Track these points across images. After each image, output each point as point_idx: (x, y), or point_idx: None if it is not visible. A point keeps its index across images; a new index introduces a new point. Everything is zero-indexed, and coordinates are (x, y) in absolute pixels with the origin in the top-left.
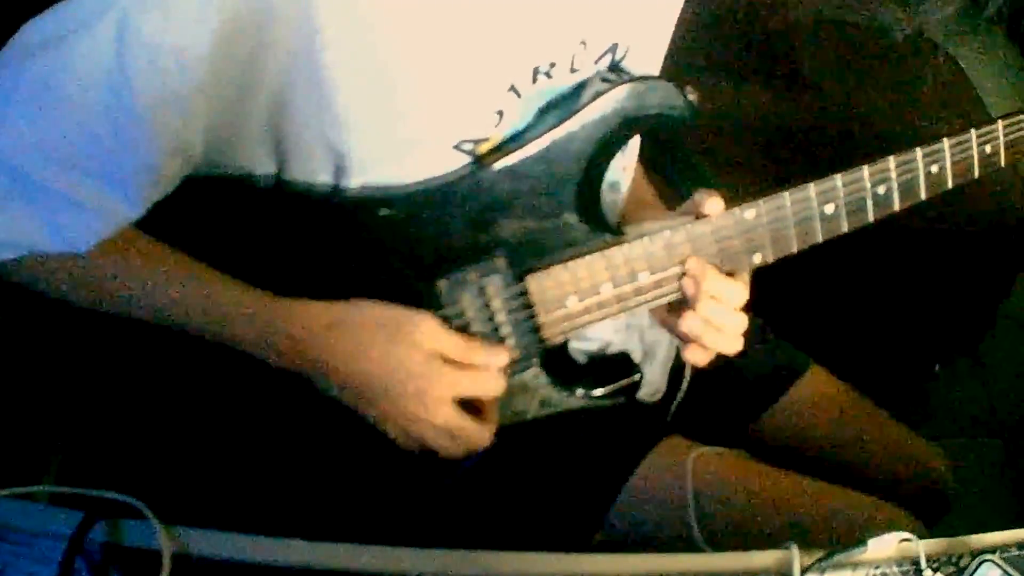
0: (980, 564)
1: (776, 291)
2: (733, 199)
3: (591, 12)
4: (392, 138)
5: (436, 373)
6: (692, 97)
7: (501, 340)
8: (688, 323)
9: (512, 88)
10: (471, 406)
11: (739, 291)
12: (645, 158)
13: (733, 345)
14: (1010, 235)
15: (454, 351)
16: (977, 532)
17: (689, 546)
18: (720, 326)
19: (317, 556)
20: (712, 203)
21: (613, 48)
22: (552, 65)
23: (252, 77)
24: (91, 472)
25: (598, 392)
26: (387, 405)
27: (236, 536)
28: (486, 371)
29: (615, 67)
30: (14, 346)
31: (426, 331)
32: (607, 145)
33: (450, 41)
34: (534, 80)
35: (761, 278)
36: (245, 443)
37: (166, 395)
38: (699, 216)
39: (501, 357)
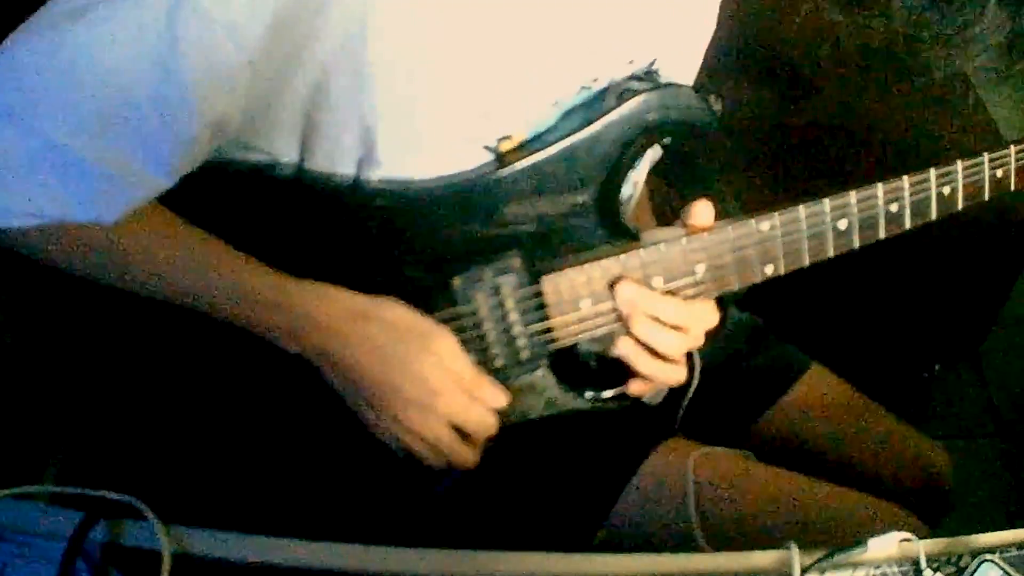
0: (980, 564)
1: (776, 291)
2: (737, 204)
3: (640, 32)
4: (423, 136)
5: (447, 392)
6: (716, 107)
7: (512, 339)
8: (620, 346)
9: (556, 103)
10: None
11: (683, 312)
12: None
13: (672, 373)
14: (1011, 235)
15: (467, 377)
16: (977, 532)
17: (689, 546)
18: (659, 348)
19: (317, 556)
20: (699, 211)
21: (652, 63)
22: (595, 80)
23: (298, 60)
24: (91, 472)
25: (604, 395)
26: (388, 407)
27: (236, 536)
28: (485, 408)
29: (645, 73)
30: (14, 346)
31: (448, 349)
32: (629, 150)
33: (501, 55)
34: (577, 93)
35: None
36: (245, 443)
37: (166, 395)
38: (690, 228)
39: (501, 399)
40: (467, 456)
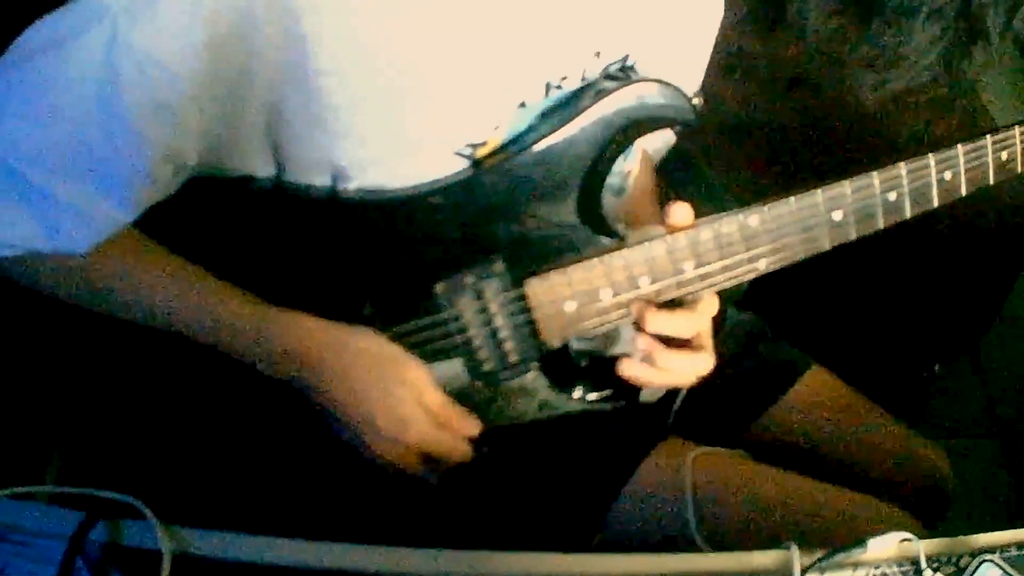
0: (980, 564)
1: (776, 291)
2: (735, 200)
3: (605, 24)
4: (391, 145)
5: (416, 423)
6: (695, 101)
7: (499, 343)
8: (626, 368)
9: (523, 104)
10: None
11: (684, 322)
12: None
13: (677, 378)
14: (1011, 234)
15: (436, 406)
16: (977, 532)
17: (689, 546)
18: (664, 367)
19: (317, 556)
20: (676, 210)
21: (624, 59)
22: (564, 78)
23: (243, 87)
24: (91, 472)
25: (597, 396)
26: (360, 434)
27: (236, 536)
28: (456, 437)
29: (620, 70)
30: (14, 346)
31: (418, 378)
32: (609, 148)
33: (455, 57)
34: (546, 94)
35: (761, 277)
36: (244, 443)
37: (166, 395)
38: (669, 228)
39: (473, 428)
40: (431, 476)
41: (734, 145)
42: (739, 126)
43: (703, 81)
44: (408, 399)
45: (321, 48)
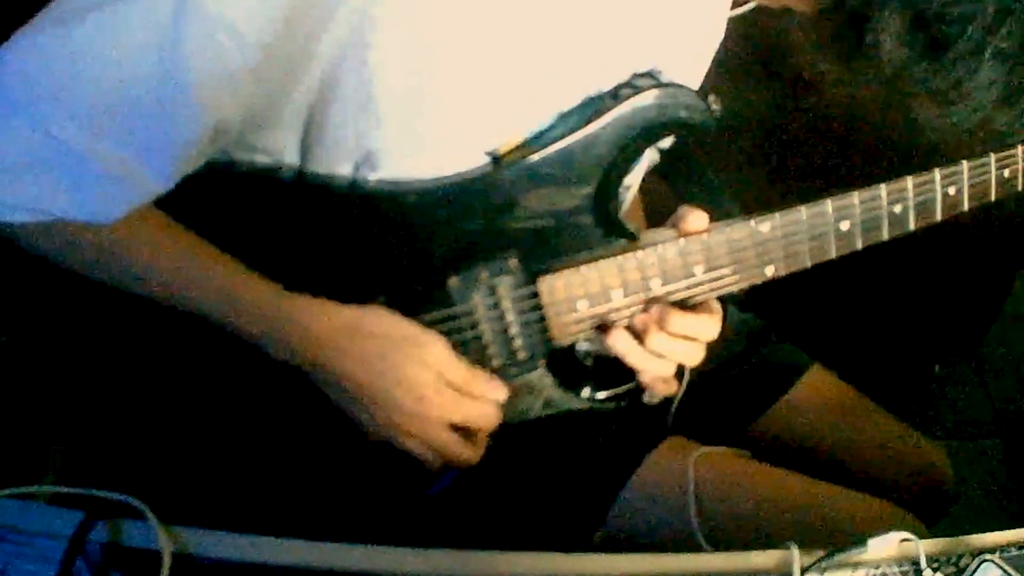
0: (980, 564)
1: (777, 291)
2: (736, 203)
3: (643, 44)
4: (429, 139)
5: (439, 395)
6: (715, 107)
7: (509, 340)
8: (614, 339)
9: (559, 112)
10: (461, 428)
11: (695, 323)
12: (655, 166)
13: (658, 366)
14: (1011, 235)
15: (458, 377)
16: (977, 532)
17: (690, 546)
18: (667, 355)
19: (317, 556)
20: (694, 218)
21: (652, 69)
22: (598, 90)
23: (302, 64)
24: (91, 471)
25: (602, 395)
26: (382, 413)
27: (236, 536)
28: (484, 402)
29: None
30: (14, 346)
31: (438, 353)
32: (627, 150)
33: (505, 64)
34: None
35: None
36: (245, 443)
37: (166, 395)
38: (682, 232)
39: (500, 392)
40: (468, 454)
41: (734, 146)
42: (739, 127)
43: (711, 82)
44: (430, 374)
45: (384, 35)
